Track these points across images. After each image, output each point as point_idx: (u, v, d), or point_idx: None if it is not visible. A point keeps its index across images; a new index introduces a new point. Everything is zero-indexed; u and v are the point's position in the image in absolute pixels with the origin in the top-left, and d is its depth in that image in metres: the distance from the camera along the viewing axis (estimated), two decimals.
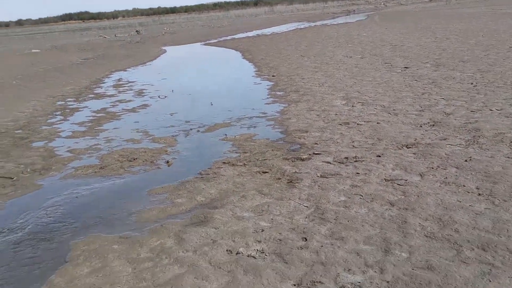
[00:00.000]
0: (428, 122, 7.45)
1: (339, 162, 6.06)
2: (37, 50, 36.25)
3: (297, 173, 5.82)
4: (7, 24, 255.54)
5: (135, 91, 13.51)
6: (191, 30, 52.88)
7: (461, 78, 10.73)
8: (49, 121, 10.30)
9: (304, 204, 4.87)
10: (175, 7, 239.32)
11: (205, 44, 31.50)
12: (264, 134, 7.84)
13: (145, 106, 11.27)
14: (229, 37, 36.04)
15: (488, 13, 32.24)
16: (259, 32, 39.84)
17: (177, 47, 31.75)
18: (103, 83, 15.90)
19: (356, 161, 6.04)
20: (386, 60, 14.84)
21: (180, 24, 76.61)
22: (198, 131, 8.46)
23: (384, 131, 7.22)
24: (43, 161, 7.34)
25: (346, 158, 6.19)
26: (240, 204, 5.03)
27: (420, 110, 8.26)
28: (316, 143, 6.99)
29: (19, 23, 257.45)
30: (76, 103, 12.28)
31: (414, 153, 6.10)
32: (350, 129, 7.53)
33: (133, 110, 10.83)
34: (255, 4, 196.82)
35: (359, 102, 9.38)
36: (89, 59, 25.19)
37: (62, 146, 8.14)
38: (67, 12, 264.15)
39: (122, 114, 10.42)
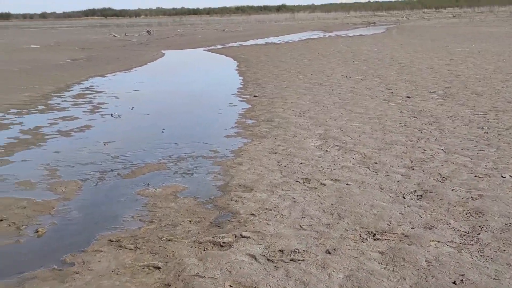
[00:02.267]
0: (415, 191, 5.40)
1: (268, 260, 4.06)
2: (36, 46, 34.81)
3: (199, 276, 3.83)
4: (31, 16, 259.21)
5: (92, 105, 11.64)
6: (203, 33, 51.27)
7: (470, 119, 8.63)
8: None
9: None
10: (197, 9, 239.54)
11: (208, 50, 29.67)
12: (195, 189, 5.86)
13: (86, 127, 9.37)
14: (236, 44, 34.23)
15: None
16: (270, 40, 37.93)
17: (178, 51, 29.98)
18: (67, 91, 14.05)
19: (293, 259, 4.03)
20: (388, 85, 12.75)
21: (196, 26, 75.17)
22: (119, 174, 6.51)
23: (351, 201, 5.19)
24: None
25: (281, 251, 4.18)
26: None
27: (409, 167, 6.20)
28: (253, 214, 4.98)
29: (43, 16, 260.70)
30: (13, 117, 10.41)
31: (381, 253, 4.07)
32: (309, 192, 5.52)
33: (67, 133, 8.93)
34: (277, 10, 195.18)
35: (336, 146, 7.34)
36: (78, 60, 23.50)
37: None
38: (91, 7, 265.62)
39: (50, 139, 8.52)
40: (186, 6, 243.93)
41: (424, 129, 8.09)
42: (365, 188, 5.55)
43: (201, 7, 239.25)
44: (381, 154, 6.83)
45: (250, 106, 10.97)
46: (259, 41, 36.45)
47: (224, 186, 5.89)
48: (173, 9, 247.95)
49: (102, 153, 7.54)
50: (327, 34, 43.22)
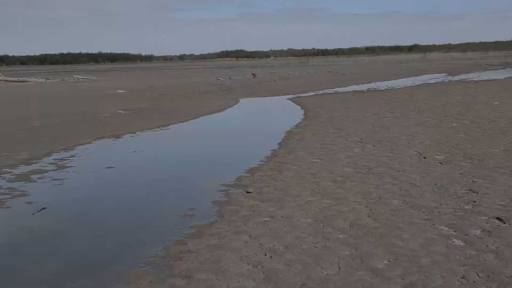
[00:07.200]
0: None
1: None
2: (122, 91, 33.28)
3: None
4: (171, 58, 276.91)
5: (19, 193, 7.97)
6: (310, 76, 47.55)
7: None
8: None
9: None
10: (326, 50, 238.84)
11: (293, 98, 25.62)
12: None
13: None
14: (333, 90, 30.08)
15: None
16: (375, 85, 33.07)
17: (256, 100, 26.22)
18: (35, 162, 10.60)
19: None
20: (477, 181, 7.47)
21: (316, 67, 71.93)
22: None
23: None
24: None
25: None
26: None
27: None
28: None
29: (181, 57, 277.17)
30: None
31: None
32: None
33: None
34: (409, 50, 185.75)
35: None
36: (129, 111, 20.61)
37: None
38: (225, 50, 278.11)
39: None
40: (317, 47, 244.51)
41: None
42: None
43: (331, 48, 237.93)
44: None
45: (211, 221, 6.47)
46: (362, 87, 31.62)
47: None
48: (303, 49, 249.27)
49: None
50: (446, 79, 36.91)
